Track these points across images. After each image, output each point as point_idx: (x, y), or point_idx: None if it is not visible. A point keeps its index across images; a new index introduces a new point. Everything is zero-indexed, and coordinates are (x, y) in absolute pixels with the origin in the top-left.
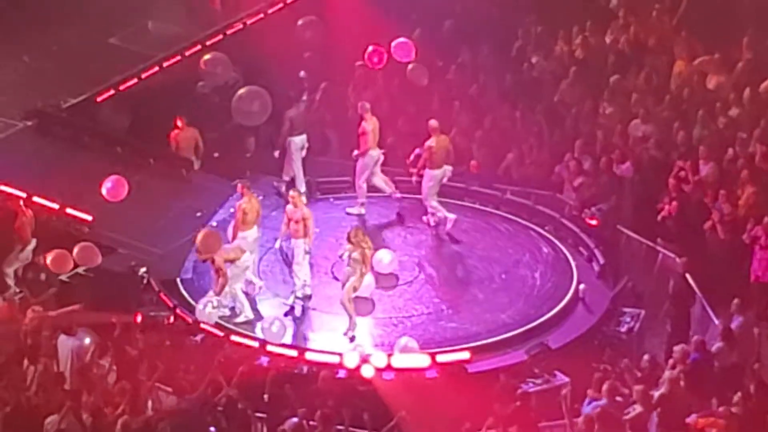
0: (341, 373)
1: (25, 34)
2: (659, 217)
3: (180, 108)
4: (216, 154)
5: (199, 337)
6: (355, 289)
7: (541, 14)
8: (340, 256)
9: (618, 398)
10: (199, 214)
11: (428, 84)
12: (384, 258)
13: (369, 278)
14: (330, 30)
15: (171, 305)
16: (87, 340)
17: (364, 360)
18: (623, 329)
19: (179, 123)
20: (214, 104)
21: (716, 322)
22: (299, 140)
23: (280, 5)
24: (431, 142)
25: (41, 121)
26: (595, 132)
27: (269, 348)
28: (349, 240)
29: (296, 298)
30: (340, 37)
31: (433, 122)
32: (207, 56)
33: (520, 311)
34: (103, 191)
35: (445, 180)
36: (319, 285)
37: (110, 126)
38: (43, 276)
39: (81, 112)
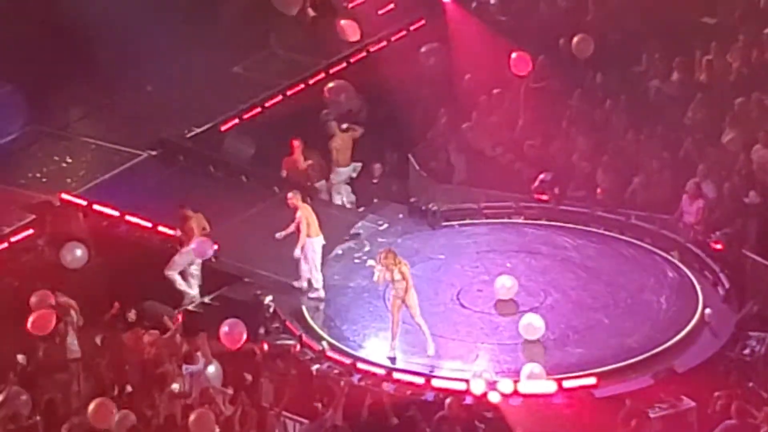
0: (468, 400)
1: (149, 64)
2: None
3: (304, 135)
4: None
5: (325, 365)
6: (413, 306)
7: (662, 39)
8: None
9: (749, 419)
10: (323, 242)
11: (552, 108)
12: (505, 283)
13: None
14: (453, 56)
15: (297, 334)
16: (211, 369)
17: (491, 386)
18: (748, 353)
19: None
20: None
21: None
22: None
23: (403, 33)
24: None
25: (165, 151)
26: (719, 156)
27: (395, 375)
28: (379, 262)
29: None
30: (463, 64)
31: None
32: (331, 84)
33: (646, 336)
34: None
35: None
36: (445, 311)
37: (235, 155)
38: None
39: (205, 142)
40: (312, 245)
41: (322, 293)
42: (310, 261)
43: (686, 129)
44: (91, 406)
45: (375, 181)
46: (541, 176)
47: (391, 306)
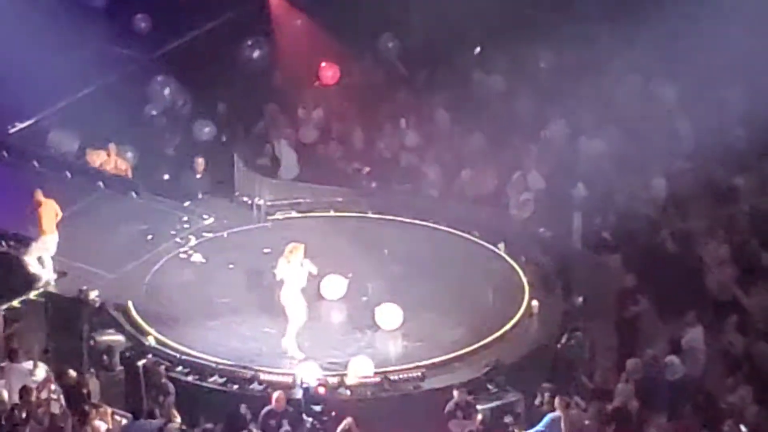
0: (296, 394)
1: None
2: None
3: (129, 129)
4: (166, 177)
5: (152, 360)
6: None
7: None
8: None
9: (572, 411)
10: (150, 237)
11: (379, 102)
12: (333, 283)
13: None
14: (277, 50)
15: (124, 329)
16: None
17: (319, 380)
18: (575, 344)
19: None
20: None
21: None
22: None
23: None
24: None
25: None
26: (545, 149)
27: (221, 370)
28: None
29: None
30: (288, 57)
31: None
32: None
33: (473, 328)
34: None
35: None
36: (271, 305)
37: (59, 150)
38: None
39: (28, 138)
40: (44, 242)
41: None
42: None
43: (512, 122)
44: None
45: (198, 176)
46: (357, 167)
47: (284, 300)
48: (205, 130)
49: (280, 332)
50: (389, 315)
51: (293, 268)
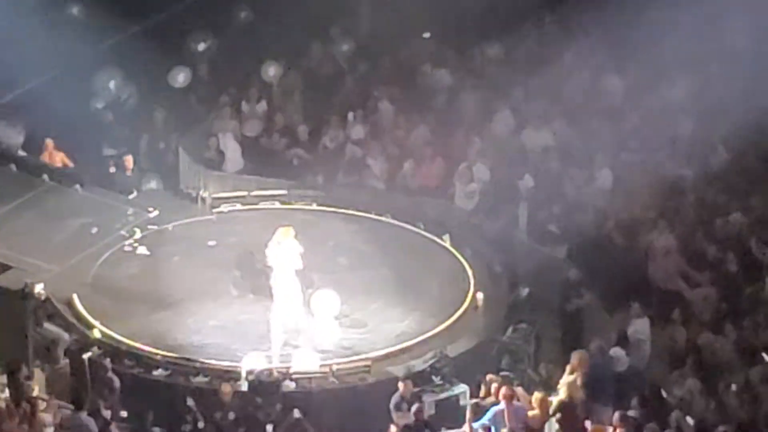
0: (242, 386)
1: None
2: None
3: (68, 126)
4: (112, 170)
5: (97, 353)
6: None
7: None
8: None
9: (516, 402)
10: (95, 230)
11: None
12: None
13: None
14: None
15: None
16: None
17: (265, 371)
18: (520, 336)
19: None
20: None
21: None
22: None
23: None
24: None
25: None
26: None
27: (166, 363)
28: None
29: None
30: None
31: None
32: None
33: (419, 320)
34: None
35: None
36: (218, 297)
37: (4, 142)
38: None
39: None
40: None
41: None
42: None
43: (457, 114)
44: None
45: (128, 173)
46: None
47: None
48: (152, 122)
49: (225, 324)
50: (326, 301)
51: (286, 250)
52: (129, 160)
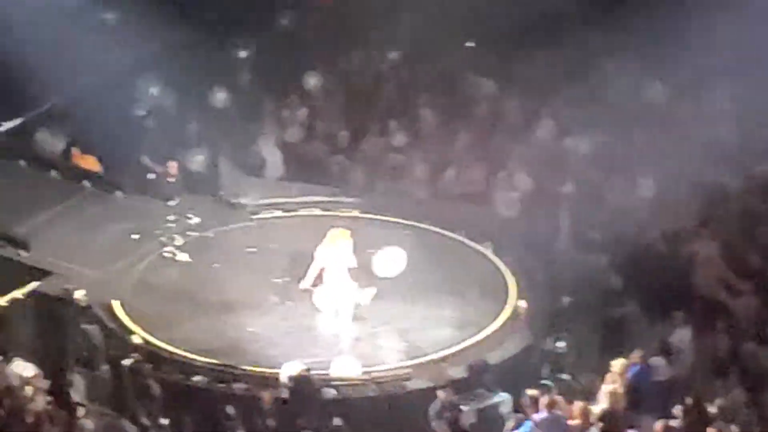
0: (283, 393)
1: None
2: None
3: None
4: (150, 176)
5: (138, 360)
6: None
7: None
8: None
9: (557, 412)
10: (136, 236)
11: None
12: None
13: None
14: None
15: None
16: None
17: (304, 378)
18: (562, 345)
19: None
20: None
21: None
22: None
23: None
24: None
25: None
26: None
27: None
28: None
29: None
30: None
31: None
32: None
33: (459, 328)
34: None
35: None
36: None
37: (46, 149)
38: None
39: (16, 136)
40: None
41: None
42: None
43: (499, 122)
44: None
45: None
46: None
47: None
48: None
49: (265, 331)
50: (390, 260)
51: (340, 250)
52: (173, 166)
